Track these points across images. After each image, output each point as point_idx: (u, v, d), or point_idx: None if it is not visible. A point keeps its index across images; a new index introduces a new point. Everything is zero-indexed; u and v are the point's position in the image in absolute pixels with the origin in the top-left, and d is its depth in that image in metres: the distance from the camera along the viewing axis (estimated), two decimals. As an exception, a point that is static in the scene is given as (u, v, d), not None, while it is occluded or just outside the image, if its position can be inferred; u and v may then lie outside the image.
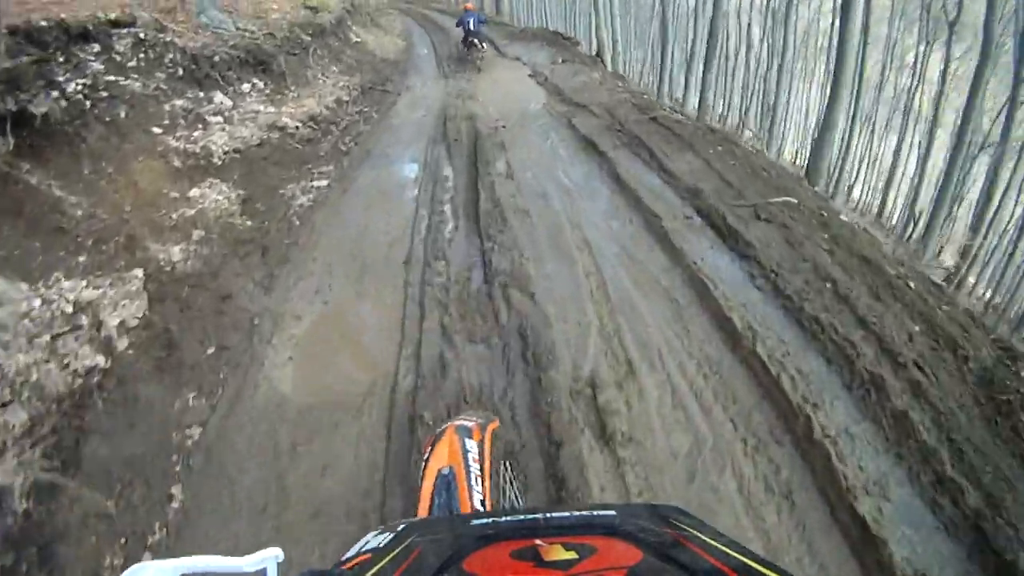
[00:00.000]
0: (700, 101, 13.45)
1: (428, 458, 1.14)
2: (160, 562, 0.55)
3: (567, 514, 0.63)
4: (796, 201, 4.19)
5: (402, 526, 0.65)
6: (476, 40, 10.48)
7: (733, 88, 24.47)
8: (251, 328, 3.01)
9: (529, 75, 9.47)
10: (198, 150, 4.05)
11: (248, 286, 3.27)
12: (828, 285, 3.24)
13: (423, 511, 1.02)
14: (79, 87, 3.52)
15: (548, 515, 0.63)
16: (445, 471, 1.07)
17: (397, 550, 0.56)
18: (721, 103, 24.09)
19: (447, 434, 1.19)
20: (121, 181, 3.37)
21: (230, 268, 3.32)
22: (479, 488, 1.06)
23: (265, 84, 6.33)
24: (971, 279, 14.70)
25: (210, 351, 2.75)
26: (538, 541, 0.54)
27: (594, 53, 12.41)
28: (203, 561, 0.56)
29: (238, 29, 7.08)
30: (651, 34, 21.92)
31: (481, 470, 1.10)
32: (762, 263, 3.48)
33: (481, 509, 1.00)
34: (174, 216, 3.49)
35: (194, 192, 3.82)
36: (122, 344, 2.39)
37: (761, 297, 3.28)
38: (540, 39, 12.95)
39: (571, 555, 0.52)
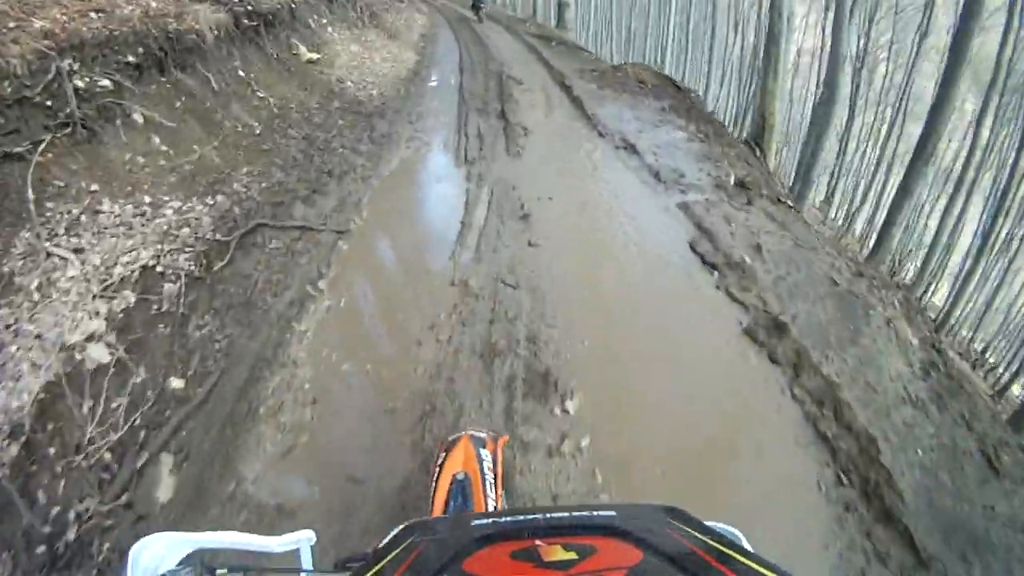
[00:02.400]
0: None
1: (443, 463, 1.20)
2: (176, 535, 0.60)
3: (567, 514, 0.62)
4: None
5: (403, 526, 0.66)
6: (483, 5, 13.86)
7: None
8: None
9: (706, 267, 3.55)
10: None
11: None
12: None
13: (437, 512, 1.09)
14: None
15: (548, 515, 0.62)
16: (460, 476, 1.14)
17: (397, 550, 0.57)
18: None
19: (462, 442, 1.26)
20: None
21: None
22: (493, 495, 1.14)
23: None
24: None
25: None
26: (538, 541, 0.55)
27: (744, 136, 6.53)
28: (229, 538, 0.59)
29: None
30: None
31: (495, 478, 1.19)
32: None
33: None
34: None
35: None
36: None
37: None
38: (649, 94, 7.08)
39: (571, 555, 0.52)
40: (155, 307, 2.71)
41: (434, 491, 1.13)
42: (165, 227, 3.06)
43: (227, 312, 2.94)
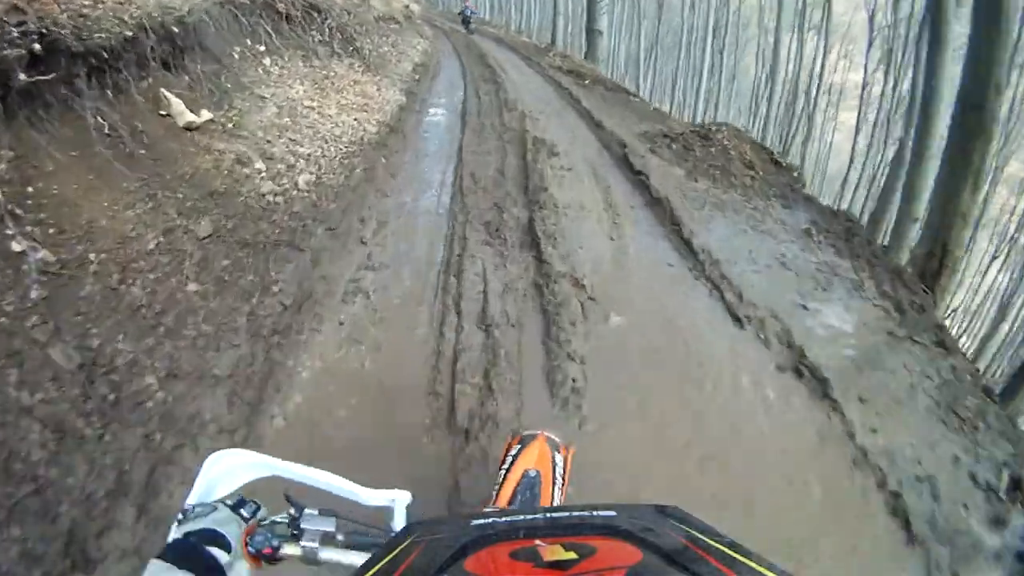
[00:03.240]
0: None
1: (516, 455, 1.20)
2: (257, 455, 0.63)
3: (567, 514, 0.61)
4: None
5: (403, 526, 0.65)
6: (471, 21, 16.61)
7: None
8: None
9: None
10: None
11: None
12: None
13: (503, 502, 1.10)
14: None
15: (548, 515, 0.61)
16: (532, 473, 1.15)
17: (397, 550, 0.54)
18: None
19: (538, 440, 1.26)
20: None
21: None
22: (560, 498, 1.16)
23: None
24: None
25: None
26: (538, 541, 0.54)
27: (930, 254, 3.85)
28: (316, 475, 0.58)
29: None
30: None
31: (563, 483, 1.21)
32: None
33: None
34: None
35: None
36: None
37: None
38: (770, 192, 4.37)
39: (571, 555, 0.50)
40: None
41: (502, 482, 1.13)
42: None
43: None
